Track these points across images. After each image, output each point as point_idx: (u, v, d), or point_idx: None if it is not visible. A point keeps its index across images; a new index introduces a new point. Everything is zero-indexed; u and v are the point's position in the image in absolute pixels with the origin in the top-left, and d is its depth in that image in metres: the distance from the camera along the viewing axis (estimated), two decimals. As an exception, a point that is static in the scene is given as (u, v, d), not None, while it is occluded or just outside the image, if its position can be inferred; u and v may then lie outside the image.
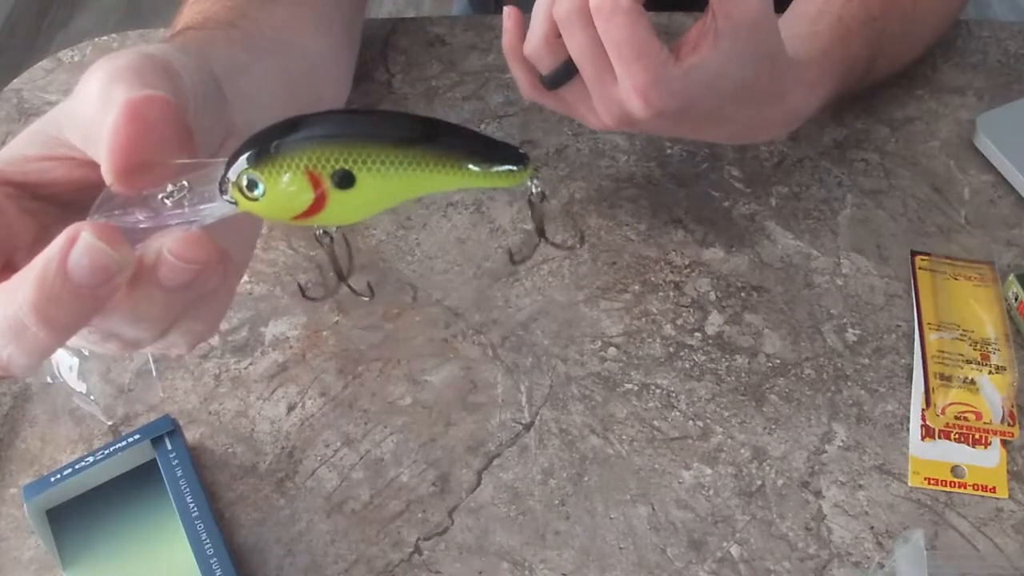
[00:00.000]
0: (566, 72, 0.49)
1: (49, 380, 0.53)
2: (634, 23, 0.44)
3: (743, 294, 0.55)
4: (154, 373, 0.53)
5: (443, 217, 0.59)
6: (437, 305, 0.56)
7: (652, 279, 0.56)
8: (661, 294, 0.55)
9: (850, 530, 0.47)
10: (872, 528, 0.47)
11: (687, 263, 0.57)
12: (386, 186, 0.32)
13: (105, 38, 0.71)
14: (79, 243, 0.29)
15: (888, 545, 0.47)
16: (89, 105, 0.33)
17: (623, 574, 0.46)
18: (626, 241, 0.58)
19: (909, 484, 0.48)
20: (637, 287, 0.56)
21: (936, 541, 0.47)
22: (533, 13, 0.49)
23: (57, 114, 0.35)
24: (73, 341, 0.32)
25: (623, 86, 0.46)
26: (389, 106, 0.65)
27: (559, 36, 0.47)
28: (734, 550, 0.47)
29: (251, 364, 0.54)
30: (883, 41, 0.57)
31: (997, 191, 0.59)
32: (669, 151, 0.62)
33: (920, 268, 0.55)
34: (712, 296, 0.55)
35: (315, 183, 0.32)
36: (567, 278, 0.56)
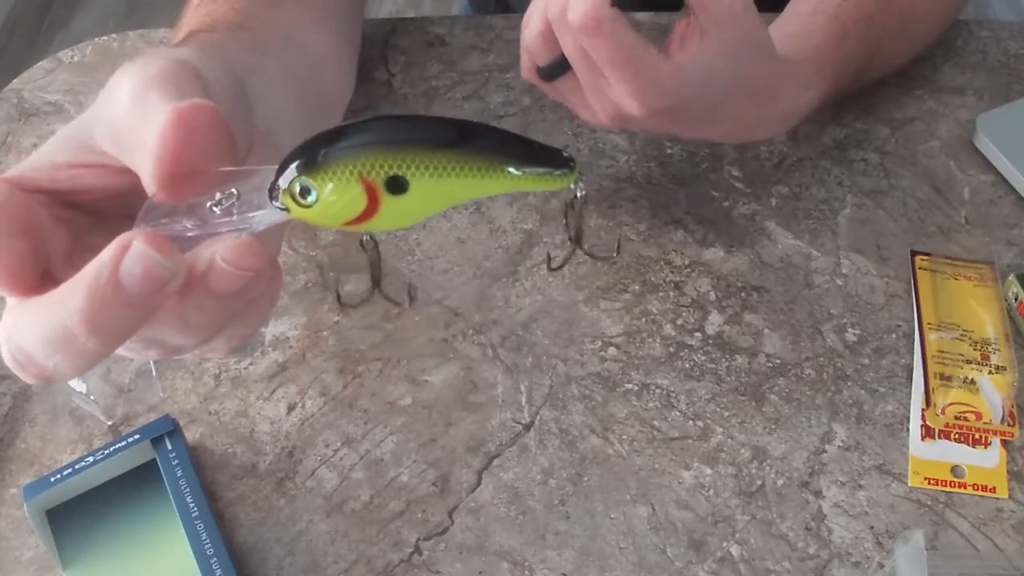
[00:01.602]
0: (561, 66, 0.49)
1: (49, 380, 0.53)
2: (617, 35, 0.44)
3: (743, 294, 0.55)
4: (154, 373, 0.53)
5: (443, 217, 0.59)
6: (437, 305, 0.56)
7: (652, 279, 0.56)
8: (661, 294, 0.55)
9: (850, 530, 0.47)
10: (872, 528, 0.47)
11: (687, 263, 0.57)
12: (438, 190, 0.32)
13: (105, 38, 0.71)
14: (131, 252, 0.29)
15: (888, 545, 0.47)
16: (121, 111, 0.33)
17: (623, 574, 0.46)
18: (626, 241, 0.58)
19: (909, 484, 0.48)
20: (637, 287, 0.56)
21: (936, 541, 0.47)
22: (530, 7, 0.49)
23: (87, 119, 0.35)
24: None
25: (616, 90, 0.46)
26: (389, 106, 0.65)
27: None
28: (734, 550, 0.47)
29: (251, 364, 0.54)
30: (880, 40, 0.57)
31: (997, 191, 0.59)
32: (669, 151, 0.62)
33: (920, 268, 0.55)
34: (712, 296, 0.55)
35: (369, 189, 0.32)
36: (567, 278, 0.56)
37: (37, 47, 1.94)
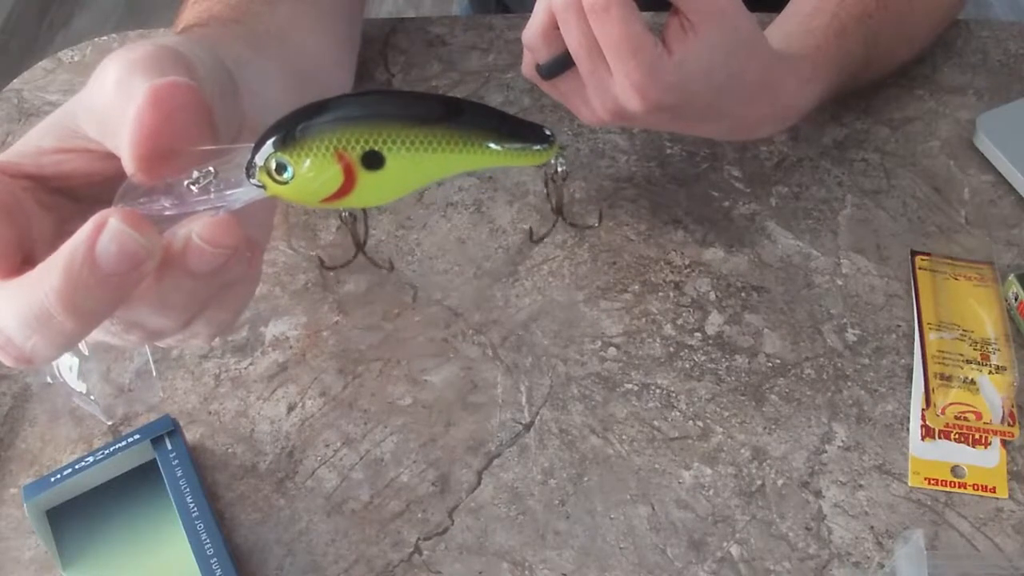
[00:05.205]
0: (562, 63, 0.49)
1: (49, 380, 0.53)
2: (627, 20, 0.44)
3: (743, 294, 0.55)
4: (154, 373, 0.53)
5: (443, 217, 0.59)
6: (437, 305, 0.56)
7: (652, 279, 0.56)
8: (661, 294, 0.55)
9: (850, 530, 0.47)
10: (872, 528, 0.47)
11: (687, 263, 0.57)
12: (415, 166, 0.32)
13: (105, 38, 0.71)
14: (107, 229, 0.29)
15: (888, 545, 0.47)
16: (106, 96, 0.33)
17: (623, 574, 0.46)
18: (626, 241, 0.58)
19: (909, 484, 0.48)
20: (637, 287, 0.56)
21: (936, 541, 0.47)
22: (536, 3, 0.49)
23: (72, 106, 0.35)
24: (95, 333, 0.32)
25: (618, 81, 0.46)
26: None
27: (557, 28, 0.47)
28: (734, 550, 0.47)
29: (251, 364, 0.54)
30: (879, 38, 0.57)
31: (997, 191, 0.59)
32: (669, 151, 0.62)
33: (920, 268, 0.55)
34: (712, 296, 0.55)
35: (345, 164, 0.31)
36: (567, 278, 0.56)
37: (37, 47, 1.94)
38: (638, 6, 0.45)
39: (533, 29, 0.49)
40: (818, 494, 0.48)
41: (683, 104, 0.48)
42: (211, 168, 0.32)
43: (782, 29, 0.56)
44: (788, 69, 0.52)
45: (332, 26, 0.56)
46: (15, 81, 0.68)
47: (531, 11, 0.49)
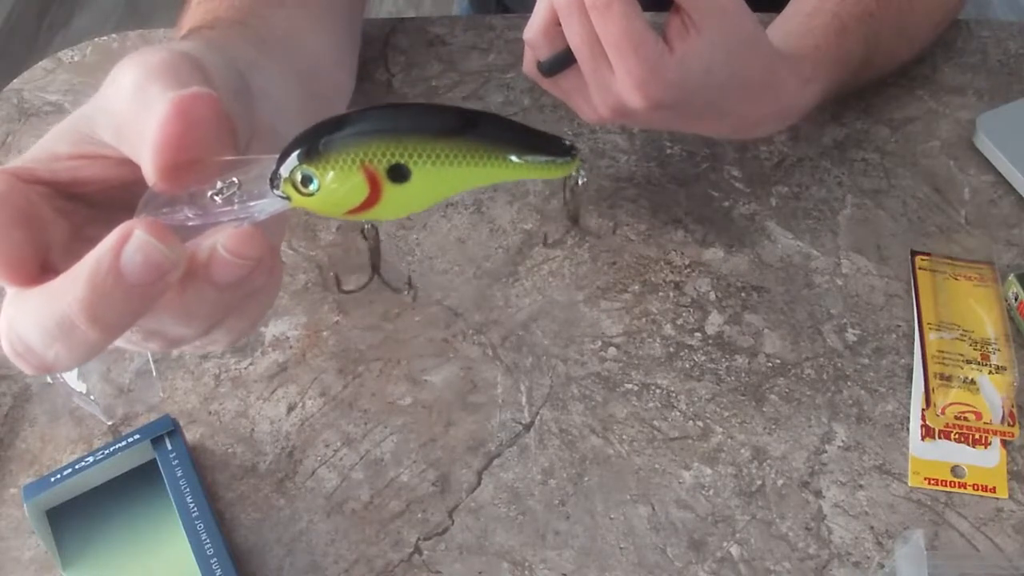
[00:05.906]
0: (563, 61, 0.49)
1: (49, 380, 0.53)
2: (629, 16, 0.45)
3: (743, 294, 0.55)
4: (154, 373, 0.53)
5: (443, 217, 0.59)
6: (437, 305, 0.56)
7: (652, 279, 0.56)
8: (661, 294, 0.56)
9: (850, 530, 0.47)
10: (872, 528, 0.47)
11: (687, 263, 0.57)
12: (440, 179, 0.32)
13: (105, 38, 0.71)
14: (132, 240, 0.29)
15: (888, 545, 0.47)
16: (122, 102, 0.33)
17: (623, 574, 0.46)
18: (626, 241, 0.58)
19: (909, 484, 0.48)
20: (637, 287, 0.56)
21: (936, 541, 0.47)
22: (538, 1, 0.49)
23: (88, 111, 0.35)
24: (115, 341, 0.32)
25: (620, 79, 0.47)
26: (389, 106, 0.65)
27: (559, 25, 0.47)
28: (734, 550, 0.47)
29: (251, 364, 0.54)
30: (879, 37, 0.57)
31: (997, 191, 0.59)
32: (669, 151, 0.62)
33: (920, 268, 0.55)
34: (712, 296, 0.55)
35: (370, 177, 0.32)
36: (567, 278, 0.56)
37: (37, 47, 1.94)
38: (643, 6, 0.45)
39: (535, 26, 0.49)
40: (818, 494, 0.48)
41: (684, 102, 0.48)
42: (235, 179, 0.32)
43: (783, 28, 0.56)
44: (789, 68, 0.52)
45: (332, 27, 0.56)
46: (15, 81, 0.68)
47: (531, 11, 0.49)
